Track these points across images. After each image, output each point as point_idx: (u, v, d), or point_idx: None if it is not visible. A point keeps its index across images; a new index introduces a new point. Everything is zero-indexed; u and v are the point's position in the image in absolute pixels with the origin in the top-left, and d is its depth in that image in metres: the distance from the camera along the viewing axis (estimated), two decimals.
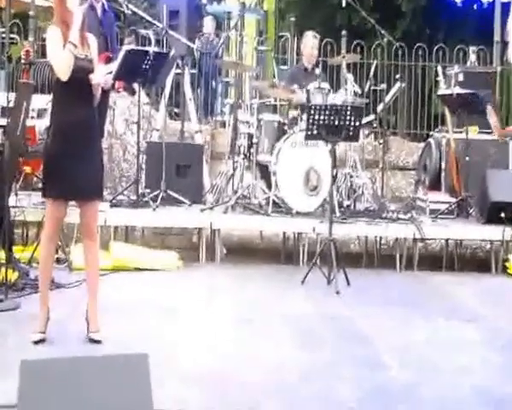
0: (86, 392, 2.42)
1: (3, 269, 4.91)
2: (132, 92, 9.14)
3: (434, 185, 7.92)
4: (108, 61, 6.91)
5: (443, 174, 7.87)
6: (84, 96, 4.11)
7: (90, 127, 4.22)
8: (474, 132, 7.68)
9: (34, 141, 7.24)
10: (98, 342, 4.20)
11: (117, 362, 2.57)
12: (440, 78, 7.82)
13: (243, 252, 7.10)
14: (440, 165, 7.92)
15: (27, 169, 6.96)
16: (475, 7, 9.65)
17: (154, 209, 6.72)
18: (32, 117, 5.57)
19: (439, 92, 7.85)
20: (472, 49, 8.75)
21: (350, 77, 7.43)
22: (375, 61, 8.09)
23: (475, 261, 7.16)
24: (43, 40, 9.57)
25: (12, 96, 4.82)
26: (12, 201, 5.60)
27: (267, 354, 4.22)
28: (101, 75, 4.19)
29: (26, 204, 6.19)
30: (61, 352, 3.93)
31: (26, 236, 6.52)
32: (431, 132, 8.88)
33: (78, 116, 4.10)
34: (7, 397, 3.25)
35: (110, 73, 6.77)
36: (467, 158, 7.27)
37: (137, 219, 6.77)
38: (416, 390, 3.77)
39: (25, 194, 6.51)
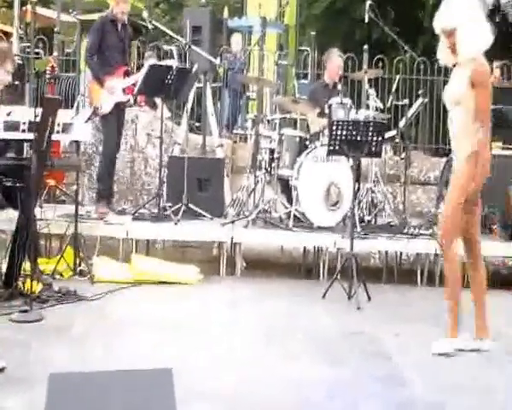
0: (112, 406, 2.45)
1: (28, 281, 4.97)
2: (154, 106, 9.25)
3: None
4: (127, 74, 7.02)
5: None
6: None
7: None
8: (496, 148, 7.64)
9: (58, 154, 7.35)
10: None
11: (142, 376, 2.60)
12: None
13: (263, 266, 7.12)
14: None
15: (51, 182, 7.07)
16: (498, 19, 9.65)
17: (176, 223, 6.76)
18: (58, 132, 5.65)
19: None
20: (495, 64, 8.72)
21: (372, 92, 7.45)
22: (398, 76, 8.10)
23: (498, 278, 7.11)
24: (67, 55, 9.77)
25: (39, 110, 4.89)
26: (37, 213, 5.66)
27: (288, 370, 4.20)
28: None
29: (51, 217, 6.26)
30: (85, 365, 3.96)
31: (50, 248, 6.60)
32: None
33: None
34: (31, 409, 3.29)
35: (134, 85, 6.90)
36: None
37: (159, 232, 6.81)
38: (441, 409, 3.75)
39: (49, 206, 6.60)
